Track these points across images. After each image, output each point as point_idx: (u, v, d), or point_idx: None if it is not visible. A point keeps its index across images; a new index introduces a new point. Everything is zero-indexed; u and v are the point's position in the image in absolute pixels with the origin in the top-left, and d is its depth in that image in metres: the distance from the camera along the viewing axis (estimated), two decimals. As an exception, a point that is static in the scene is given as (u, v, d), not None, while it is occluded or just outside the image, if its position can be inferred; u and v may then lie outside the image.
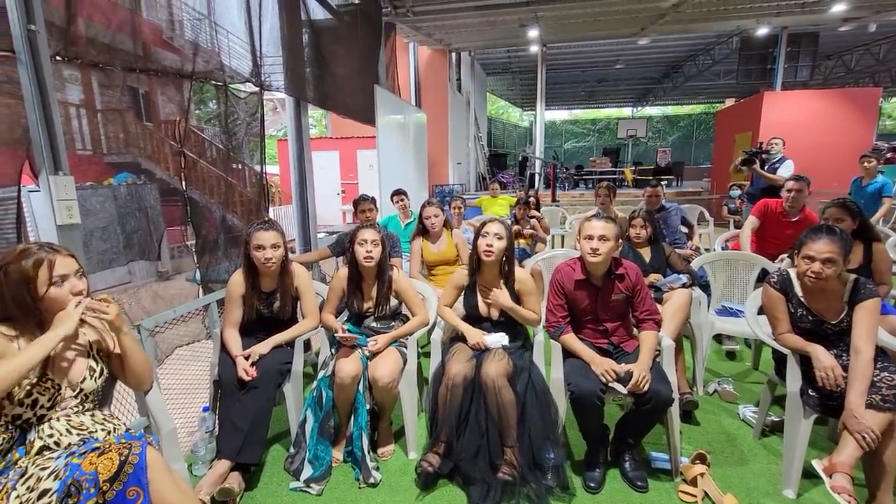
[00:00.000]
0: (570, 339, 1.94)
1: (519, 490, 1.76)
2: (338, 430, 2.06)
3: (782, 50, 10.32)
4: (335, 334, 2.11)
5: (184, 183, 3.04)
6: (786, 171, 4.96)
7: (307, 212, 4.93)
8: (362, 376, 2.02)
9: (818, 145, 8.61)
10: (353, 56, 5.65)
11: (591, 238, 1.89)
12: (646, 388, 1.71)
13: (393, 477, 1.96)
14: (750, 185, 5.36)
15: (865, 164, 4.22)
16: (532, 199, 4.84)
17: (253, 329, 2.17)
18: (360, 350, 2.07)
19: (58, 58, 2.30)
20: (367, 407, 2.03)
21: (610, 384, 1.76)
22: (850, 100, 8.84)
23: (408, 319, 2.32)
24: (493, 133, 21.31)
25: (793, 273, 1.84)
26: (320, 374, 2.08)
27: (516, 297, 2.06)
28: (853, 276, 1.73)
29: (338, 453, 2.04)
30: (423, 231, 3.22)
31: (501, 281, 2.06)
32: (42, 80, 2.08)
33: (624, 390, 1.73)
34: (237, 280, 2.15)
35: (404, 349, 2.15)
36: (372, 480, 1.90)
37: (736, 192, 6.38)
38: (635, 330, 2.02)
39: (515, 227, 4.23)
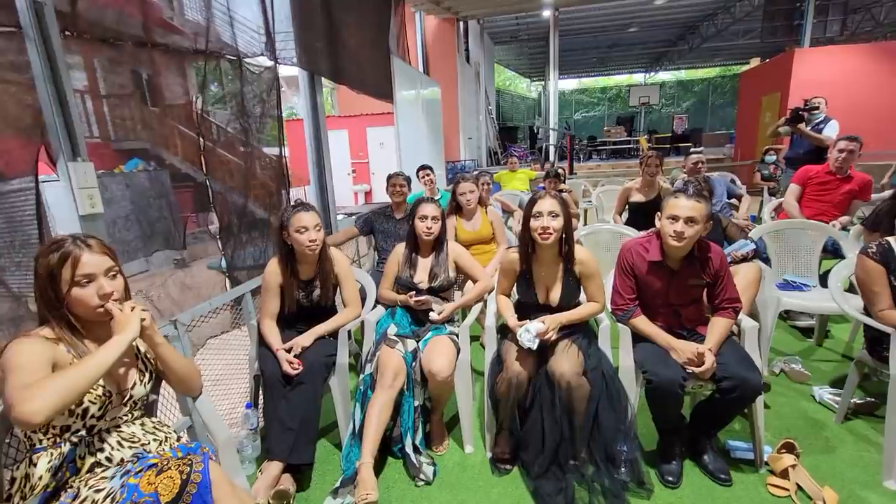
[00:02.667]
0: (643, 322, 1.78)
1: (592, 487, 1.64)
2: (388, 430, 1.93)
3: (811, 3, 9.74)
4: (409, 301, 2.04)
5: (204, 168, 2.88)
6: (831, 131, 4.68)
7: (326, 193, 4.77)
8: (408, 374, 1.88)
9: (855, 105, 8.11)
10: (364, 26, 5.37)
11: (675, 219, 1.64)
12: (709, 373, 1.58)
13: (451, 473, 1.84)
14: (789, 149, 5.09)
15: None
16: (561, 171, 4.59)
17: (292, 320, 2.04)
18: (402, 347, 1.92)
19: (66, 33, 2.12)
20: (417, 403, 1.91)
21: (690, 370, 1.60)
22: (890, 54, 8.34)
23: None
24: (501, 106, 20.77)
25: (893, 241, 1.65)
26: (367, 369, 1.95)
27: (576, 281, 1.88)
28: None
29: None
30: (456, 209, 3.05)
31: (561, 263, 1.87)
32: (53, 58, 1.90)
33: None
34: (273, 269, 2.01)
35: (456, 338, 2.00)
36: (423, 478, 1.78)
37: (772, 158, 6.06)
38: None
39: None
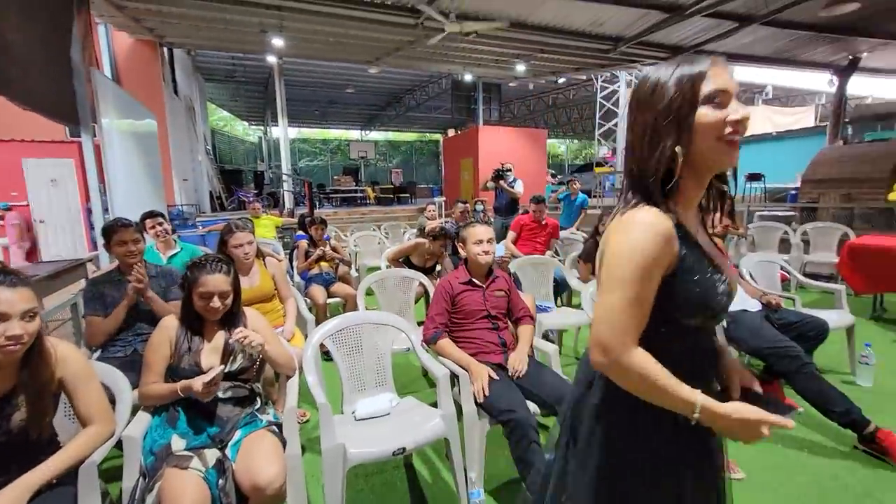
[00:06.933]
0: (448, 344, 1.93)
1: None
2: None
3: (480, 93, 12.98)
4: (195, 386, 1.40)
5: None
6: (519, 187, 6.27)
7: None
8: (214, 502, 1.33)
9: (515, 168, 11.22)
10: (34, 21, 3.91)
11: (480, 242, 2.04)
12: (522, 373, 1.82)
13: None
14: (495, 200, 6.50)
15: (576, 185, 5.78)
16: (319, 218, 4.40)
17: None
18: (199, 463, 1.36)
19: None
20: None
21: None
22: (531, 137, 11.92)
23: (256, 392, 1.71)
24: (219, 147, 18.89)
25: None
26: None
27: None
28: None
29: None
30: (226, 264, 2.46)
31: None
32: None
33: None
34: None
35: (277, 429, 1.55)
36: None
37: (481, 207, 7.56)
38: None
39: (318, 251, 3.77)
